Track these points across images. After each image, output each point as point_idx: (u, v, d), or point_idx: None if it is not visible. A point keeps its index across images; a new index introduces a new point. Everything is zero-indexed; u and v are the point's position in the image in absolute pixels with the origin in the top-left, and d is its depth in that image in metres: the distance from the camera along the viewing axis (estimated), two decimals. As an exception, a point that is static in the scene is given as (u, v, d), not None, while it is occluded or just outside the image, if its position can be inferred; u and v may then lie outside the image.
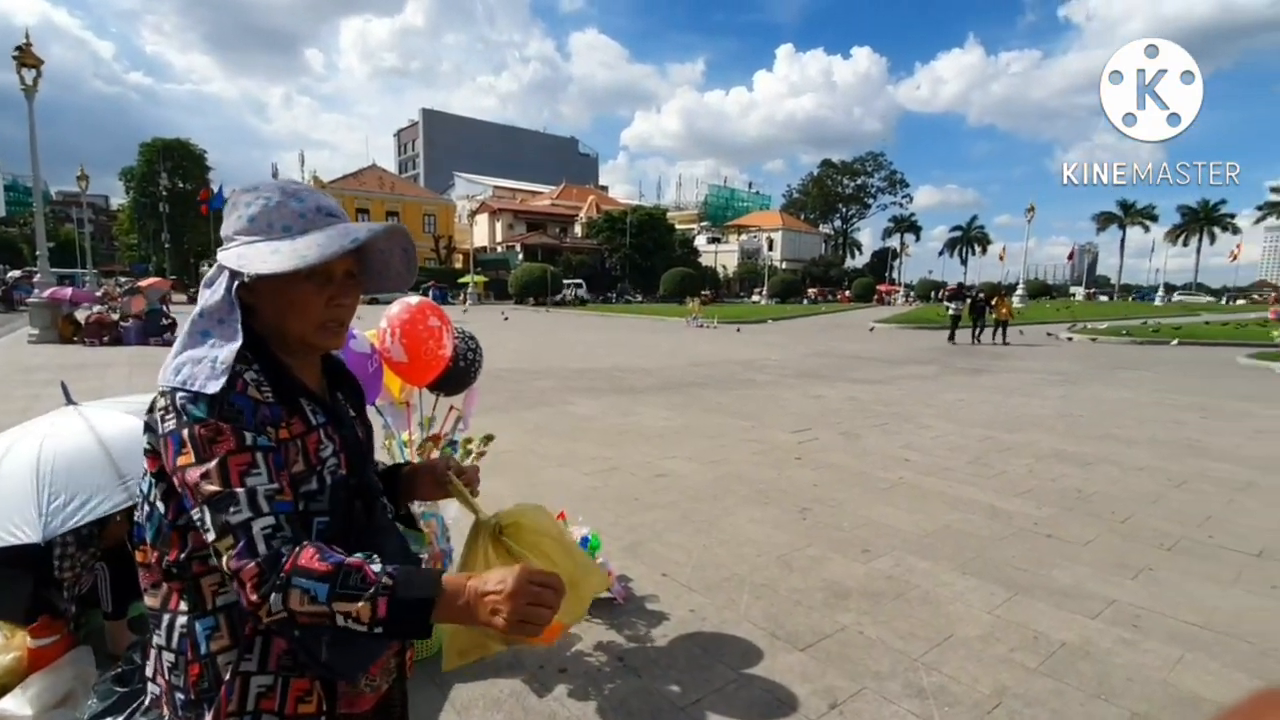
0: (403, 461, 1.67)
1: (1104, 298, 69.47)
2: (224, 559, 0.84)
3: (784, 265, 66.59)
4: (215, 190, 39.55)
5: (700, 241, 66.31)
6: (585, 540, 3.03)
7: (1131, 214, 72.88)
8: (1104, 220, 75.61)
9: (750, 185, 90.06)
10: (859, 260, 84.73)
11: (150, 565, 0.96)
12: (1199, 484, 5.16)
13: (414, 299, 2.44)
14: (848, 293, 60.68)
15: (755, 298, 55.13)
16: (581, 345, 16.71)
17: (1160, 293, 59.63)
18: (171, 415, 0.88)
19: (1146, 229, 74.04)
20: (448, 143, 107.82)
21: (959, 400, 9.16)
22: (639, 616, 2.98)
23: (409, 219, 53.64)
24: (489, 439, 2.91)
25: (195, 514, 0.86)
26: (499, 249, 57.07)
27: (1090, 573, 3.49)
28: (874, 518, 4.31)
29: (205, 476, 0.85)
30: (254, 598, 0.82)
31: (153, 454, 0.92)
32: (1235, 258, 68.04)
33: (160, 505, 0.93)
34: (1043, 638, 2.82)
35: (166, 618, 0.95)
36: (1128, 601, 3.17)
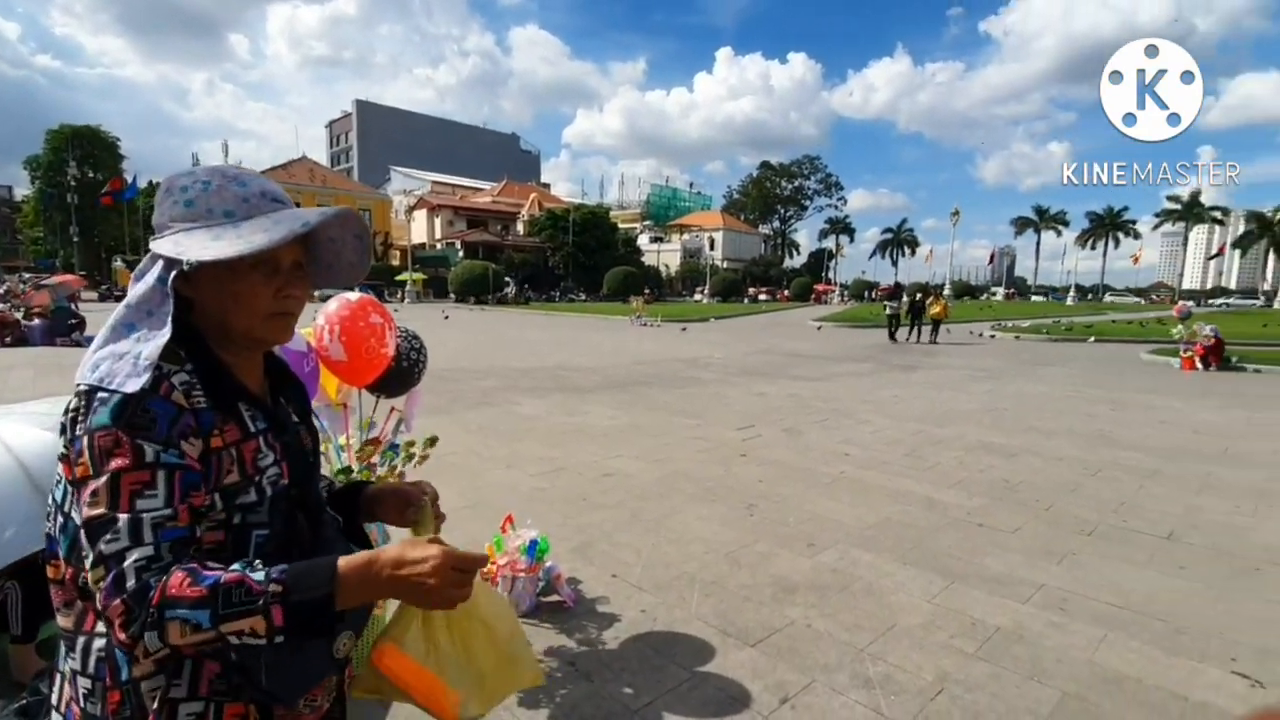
0: (365, 479, 1.58)
1: (1038, 298, 73.41)
2: (96, 595, 0.76)
3: (725, 265, 67.55)
4: (129, 180, 37.08)
5: (643, 240, 66.66)
6: (534, 544, 2.97)
7: (1046, 219, 77.30)
8: (1021, 224, 79.92)
9: (691, 185, 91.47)
10: (797, 260, 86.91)
11: (63, 582, 0.87)
12: (1112, 472, 5.49)
13: (354, 295, 2.33)
14: (786, 292, 62.17)
15: (697, 296, 55.77)
16: (525, 344, 16.50)
17: (1071, 293, 63.46)
18: (81, 420, 0.81)
19: (1059, 233, 78.48)
20: (383, 135, 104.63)
21: (894, 396, 9.49)
22: (589, 619, 2.94)
23: (342, 214, 51.58)
24: (432, 441, 2.81)
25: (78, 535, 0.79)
26: (438, 246, 55.70)
27: (1020, 559, 3.66)
28: (818, 512, 4.40)
29: (93, 495, 0.77)
30: (122, 637, 0.74)
31: (65, 459, 0.84)
32: (1137, 260, 73.44)
33: (75, 515, 0.84)
34: (979, 624, 2.94)
35: (81, 640, 0.86)
36: (1055, 586, 3.33)
